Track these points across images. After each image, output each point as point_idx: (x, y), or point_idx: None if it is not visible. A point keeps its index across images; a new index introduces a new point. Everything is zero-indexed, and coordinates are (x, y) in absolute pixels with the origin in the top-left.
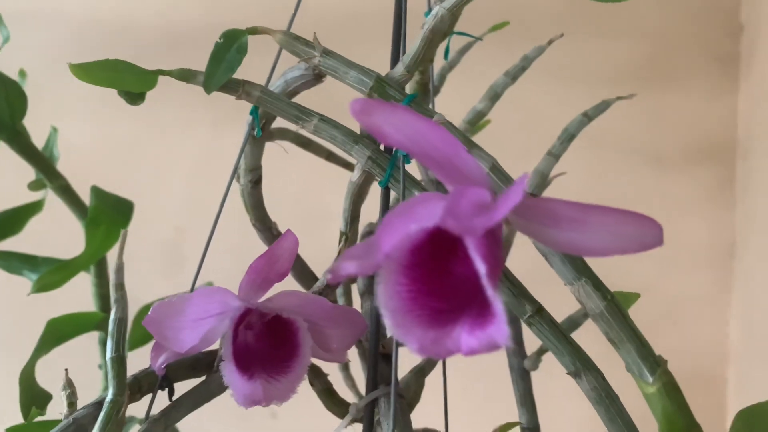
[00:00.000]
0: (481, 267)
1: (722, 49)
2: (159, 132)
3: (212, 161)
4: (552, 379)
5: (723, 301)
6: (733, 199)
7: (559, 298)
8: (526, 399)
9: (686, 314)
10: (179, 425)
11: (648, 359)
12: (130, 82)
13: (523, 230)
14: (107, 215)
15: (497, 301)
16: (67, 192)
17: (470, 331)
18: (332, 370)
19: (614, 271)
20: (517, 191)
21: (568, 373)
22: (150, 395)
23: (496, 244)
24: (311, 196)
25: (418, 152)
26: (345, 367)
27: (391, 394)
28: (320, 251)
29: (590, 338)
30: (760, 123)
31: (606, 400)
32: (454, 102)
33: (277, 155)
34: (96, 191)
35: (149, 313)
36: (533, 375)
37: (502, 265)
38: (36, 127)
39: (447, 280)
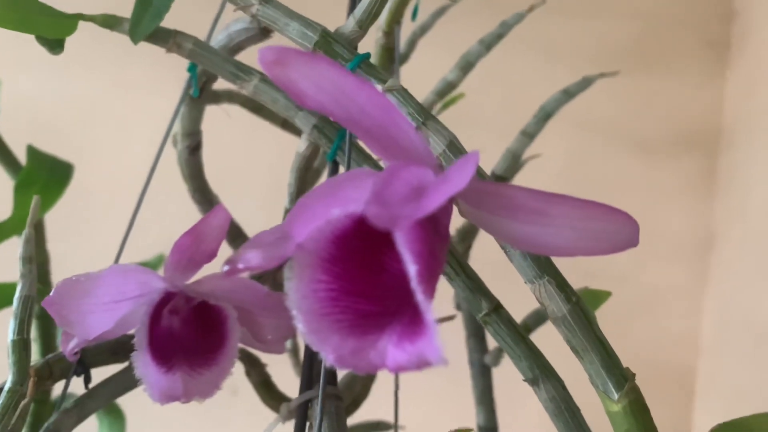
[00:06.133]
0: (411, 267)
1: (712, 35)
2: (124, 92)
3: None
4: (515, 377)
5: (698, 292)
6: (714, 190)
7: (525, 292)
8: (485, 397)
9: (661, 304)
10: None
11: (614, 372)
12: (44, 26)
13: (475, 221)
14: (41, 178)
15: (429, 309)
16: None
17: (398, 343)
18: (282, 357)
19: (588, 258)
20: (463, 174)
21: (525, 380)
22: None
23: (438, 237)
24: (273, 168)
25: (344, 117)
26: (295, 354)
27: (319, 398)
28: None
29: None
30: (747, 113)
31: (566, 412)
32: (427, 70)
33: (247, 127)
34: (31, 151)
35: (50, 293)
36: (494, 371)
37: (442, 262)
38: None
39: (378, 278)
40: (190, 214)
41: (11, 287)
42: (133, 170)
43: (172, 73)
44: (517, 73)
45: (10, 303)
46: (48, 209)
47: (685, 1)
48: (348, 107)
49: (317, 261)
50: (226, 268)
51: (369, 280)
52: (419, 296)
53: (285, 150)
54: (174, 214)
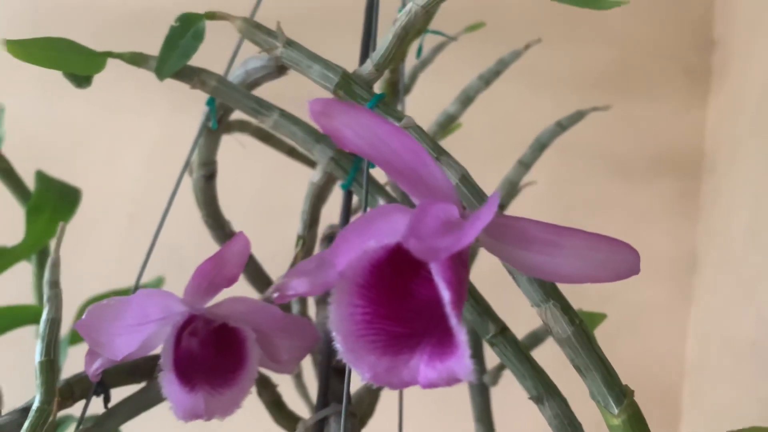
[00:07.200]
0: (445, 293)
1: (692, 63)
2: (115, 114)
3: (169, 147)
4: (512, 394)
5: (682, 313)
6: (696, 213)
7: (523, 309)
8: (484, 415)
9: (645, 325)
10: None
11: (614, 389)
12: (75, 63)
13: (491, 250)
14: (51, 203)
15: (461, 331)
16: (9, 176)
17: (429, 362)
18: (284, 378)
19: None
20: (489, 210)
21: (530, 398)
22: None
23: (463, 266)
24: (273, 192)
25: (379, 160)
26: (298, 376)
27: (342, 415)
28: (280, 251)
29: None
30: (728, 138)
31: (569, 428)
32: (425, 102)
33: (237, 148)
34: (40, 176)
35: (83, 317)
36: (492, 390)
37: (467, 288)
38: None
39: (407, 303)
40: (185, 239)
41: (27, 308)
42: (124, 192)
43: (162, 95)
44: (505, 99)
45: (24, 323)
46: (55, 234)
47: (663, 31)
48: (383, 151)
49: (354, 287)
50: (275, 295)
51: (400, 304)
52: (452, 319)
53: (273, 173)
54: (170, 238)
